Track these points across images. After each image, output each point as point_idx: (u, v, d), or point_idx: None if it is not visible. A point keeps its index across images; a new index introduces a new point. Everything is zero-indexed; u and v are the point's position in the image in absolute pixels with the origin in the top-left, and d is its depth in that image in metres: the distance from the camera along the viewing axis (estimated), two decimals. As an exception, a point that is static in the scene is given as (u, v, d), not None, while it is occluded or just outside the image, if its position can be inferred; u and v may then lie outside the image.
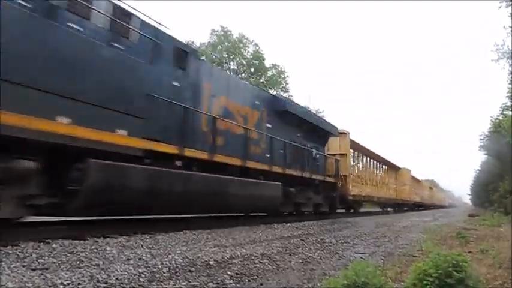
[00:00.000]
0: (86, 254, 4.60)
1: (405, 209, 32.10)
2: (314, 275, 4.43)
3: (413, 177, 35.83)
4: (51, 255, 4.41)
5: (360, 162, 23.01)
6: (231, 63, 36.12)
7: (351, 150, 20.10)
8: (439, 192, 64.53)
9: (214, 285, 3.72)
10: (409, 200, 32.81)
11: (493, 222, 15.05)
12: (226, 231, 8.11)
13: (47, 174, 5.51)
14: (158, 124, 7.26)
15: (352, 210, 21.07)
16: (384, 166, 27.67)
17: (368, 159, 23.99)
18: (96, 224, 6.90)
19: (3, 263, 3.81)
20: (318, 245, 6.97)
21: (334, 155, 17.25)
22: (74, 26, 5.82)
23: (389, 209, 28.97)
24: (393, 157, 30.28)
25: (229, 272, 4.24)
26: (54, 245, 5.02)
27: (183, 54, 8.19)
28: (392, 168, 29.86)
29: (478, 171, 57.54)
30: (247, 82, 10.77)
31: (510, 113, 25.28)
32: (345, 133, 18.30)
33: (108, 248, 5.09)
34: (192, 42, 34.14)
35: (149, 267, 4.15)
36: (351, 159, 20.57)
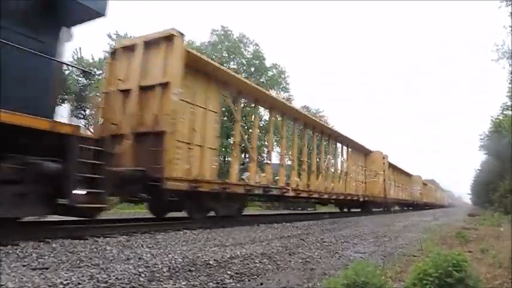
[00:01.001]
0: (86, 254, 4.61)
1: (374, 210, 22.29)
2: (314, 274, 4.42)
3: (393, 166, 26.33)
4: (51, 254, 4.42)
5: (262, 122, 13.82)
6: (231, 62, 36.08)
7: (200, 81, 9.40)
8: (437, 191, 60.68)
9: (214, 285, 3.72)
10: (384, 197, 22.81)
11: (493, 221, 15.08)
12: (226, 231, 8.11)
13: None
14: None
15: (160, 218, 9.24)
16: (338, 144, 18.68)
17: (299, 124, 15.12)
18: (96, 224, 6.90)
19: (3, 263, 3.81)
20: (318, 244, 6.96)
21: (153, 86, 8.45)
22: None
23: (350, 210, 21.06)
24: (393, 157, 26.18)
25: (229, 272, 4.23)
26: (54, 245, 5.03)
27: None
28: (358, 150, 21.06)
29: (478, 171, 57.76)
30: None
31: (510, 112, 25.28)
32: (172, 36, 8.52)
33: (108, 248, 5.10)
34: (193, 42, 34.16)
35: (149, 266, 4.15)
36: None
